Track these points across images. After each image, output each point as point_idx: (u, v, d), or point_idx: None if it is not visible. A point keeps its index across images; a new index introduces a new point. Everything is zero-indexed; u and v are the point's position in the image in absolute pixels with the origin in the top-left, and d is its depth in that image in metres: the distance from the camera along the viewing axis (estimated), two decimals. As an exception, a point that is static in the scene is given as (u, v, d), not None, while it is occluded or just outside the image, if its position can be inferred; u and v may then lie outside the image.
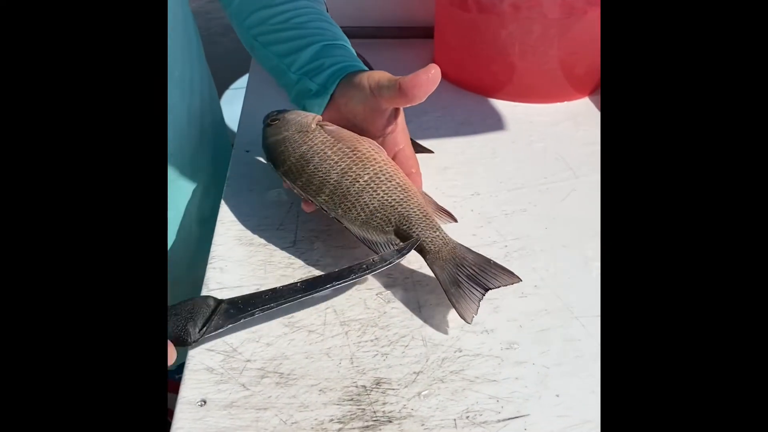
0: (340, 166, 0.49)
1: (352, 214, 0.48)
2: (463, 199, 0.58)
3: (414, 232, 0.46)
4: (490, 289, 0.43)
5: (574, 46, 0.72)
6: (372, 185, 0.48)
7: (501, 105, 0.76)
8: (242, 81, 2.43)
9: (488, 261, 0.45)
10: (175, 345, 0.41)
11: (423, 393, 0.40)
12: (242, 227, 0.53)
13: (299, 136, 0.51)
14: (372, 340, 0.43)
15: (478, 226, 0.54)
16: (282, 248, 0.51)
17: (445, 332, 0.44)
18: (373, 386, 0.40)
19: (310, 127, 0.52)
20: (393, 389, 0.40)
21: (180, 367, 0.75)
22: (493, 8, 0.71)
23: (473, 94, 0.78)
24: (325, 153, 0.50)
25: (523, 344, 0.43)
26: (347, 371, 0.41)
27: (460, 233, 0.51)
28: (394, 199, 0.48)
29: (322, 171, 0.49)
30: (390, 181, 0.48)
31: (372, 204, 0.47)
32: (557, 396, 0.40)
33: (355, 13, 0.89)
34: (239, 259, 0.50)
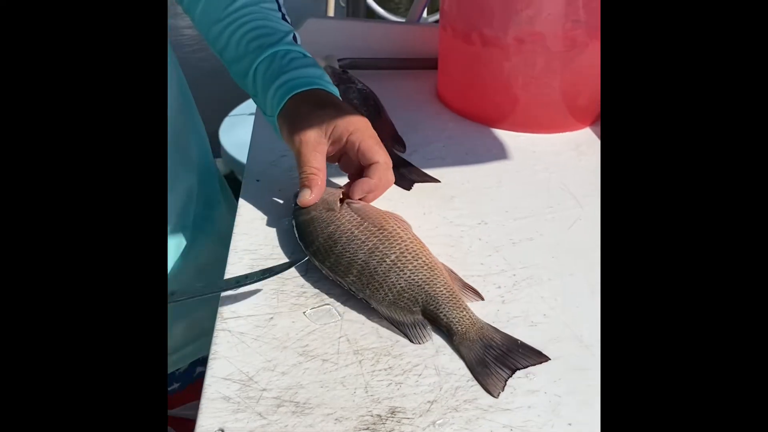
0: (367, 245, 0.51)
1: (380, 294, 0.48)
2: (470, 227, 0.59)
3: (441, 312, 0.47)
4: (518, 369, 0.44)
5: (576, 77, 0.74)
6: (398, 264, 0.49)
7: (504, 135, 0.77)
8: (242, 108, 2.45)
9: (516, 342, 0.45)
10: None
11: (438, 422, 0.40)
12: (254, 256, 0.54)
13: (327, 215, 0.54)
14: (385, 369, 0.44)
15: (486, 255, 0.55)
16: (294, 277, 0.52)
17: (458, 361, 0.45)
18: (389, 415, 0.41)
19: (336, 205, 0.55)
20: (408, 418, 0.40)
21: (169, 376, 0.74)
22: (497, 41, 0.73)
23: (477, 124, 0.79)
24: (352, 233, 0.52)
25: (534, 373, 0.44)
26: (362, 400, 0.42)
27: (470, 263, 0.52)
28: (421, 279, 0.48)
29: (349, 251, 0.51)
30: (416, 260, 0.49)
31: (399, 284, 0.48)
32: (569, 425, 0.40)
33: (360, 45, 0.91)
34: (252, 287, 0.50)
